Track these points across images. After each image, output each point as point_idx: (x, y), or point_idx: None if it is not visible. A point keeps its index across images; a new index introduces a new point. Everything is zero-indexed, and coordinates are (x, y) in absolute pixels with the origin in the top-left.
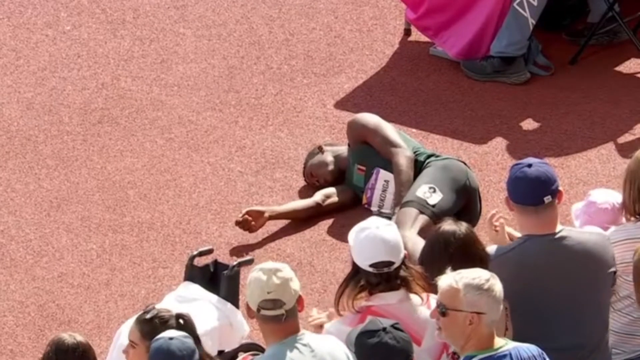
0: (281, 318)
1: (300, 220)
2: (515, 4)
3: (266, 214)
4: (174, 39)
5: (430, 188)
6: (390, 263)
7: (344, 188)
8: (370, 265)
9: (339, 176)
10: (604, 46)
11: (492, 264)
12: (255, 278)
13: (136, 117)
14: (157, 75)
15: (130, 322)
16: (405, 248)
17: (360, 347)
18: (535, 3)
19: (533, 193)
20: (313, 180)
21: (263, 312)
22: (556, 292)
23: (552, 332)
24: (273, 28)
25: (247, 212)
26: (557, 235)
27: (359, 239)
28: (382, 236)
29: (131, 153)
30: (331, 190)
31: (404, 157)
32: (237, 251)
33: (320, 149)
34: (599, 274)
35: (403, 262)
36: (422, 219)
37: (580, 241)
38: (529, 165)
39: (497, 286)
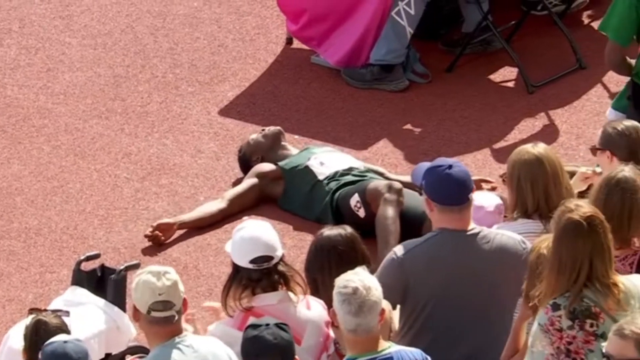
0: (172, 319)
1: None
2: (393, 13)
3: (175, 226)
4: (59, 48)
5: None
6: (269, 258)
7: (251, 186)
8: (250, 262)
9: (276, 148)
10: (478, 55)
11: (402, 259)
12: (145, 281)
13: (23, 125)
14: (43, 83)
15: (18, 326)
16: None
17: (243, 339)
18: (412, 12)
19: (460, 193)
20: (260, 134)
21: (154, 313)
22: (467, 288)
23: (460, 332)
24: (158, 37)
25: (158, 226)
26: (472, 232)
27: (236, 240)
28: (258, 233)
29: (18, 160)
30: (235, 191)
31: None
32: (123, 256)
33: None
34: (510, 274)
35: (281, 260)
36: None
37: (494, 239)
38: (450, 167)
39: (359, 299)
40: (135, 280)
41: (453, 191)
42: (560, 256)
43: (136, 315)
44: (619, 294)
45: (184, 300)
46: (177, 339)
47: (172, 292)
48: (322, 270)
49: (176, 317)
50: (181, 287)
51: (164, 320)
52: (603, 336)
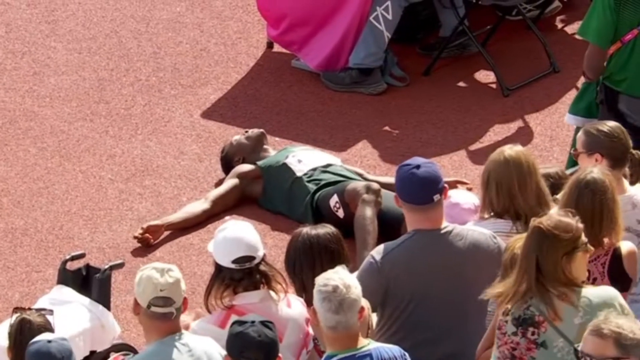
0: (171, 316)
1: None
2: (371, 18)
3: (163, 227)
4: (45, 52)
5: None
6: (251, 258)
7: (232, 186)
8: (233, 262)
9: (258, 150)
10: (455, 58)
11: (381, 264)
12: (148, 276)
13: (9, 128)
14: (29, 87)
15: (4, 325)
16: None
17: (228, 334)
18: (390, 17)
19: (423, 193)
20: (243, 136)
21: (153, 308)
22: (446, 286)
23: (440, 331)
24: (141, 42)
25: (147, 228)
26: (445, 230)
27: (218, 240)
28: (240, 234)
29: (5, 162)
30: (217, 192)
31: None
32: (108, 255)
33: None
34: (483, 269)
35: (263, 259)
36: (386, 194)
37: (467, 235)
38: (417, 167)
39: (339, 297)
40: (138, 275)
41: (416, 191)
42: (520, 262)
43: (136, 308)
44: (567, 304)
45: (185, 299)
46: (174, 337)
47: (174, 289)
48: (313, 269)
49: (175, 314)
50: (183, 286)
51: (163, 316)
52: (544, 345)
